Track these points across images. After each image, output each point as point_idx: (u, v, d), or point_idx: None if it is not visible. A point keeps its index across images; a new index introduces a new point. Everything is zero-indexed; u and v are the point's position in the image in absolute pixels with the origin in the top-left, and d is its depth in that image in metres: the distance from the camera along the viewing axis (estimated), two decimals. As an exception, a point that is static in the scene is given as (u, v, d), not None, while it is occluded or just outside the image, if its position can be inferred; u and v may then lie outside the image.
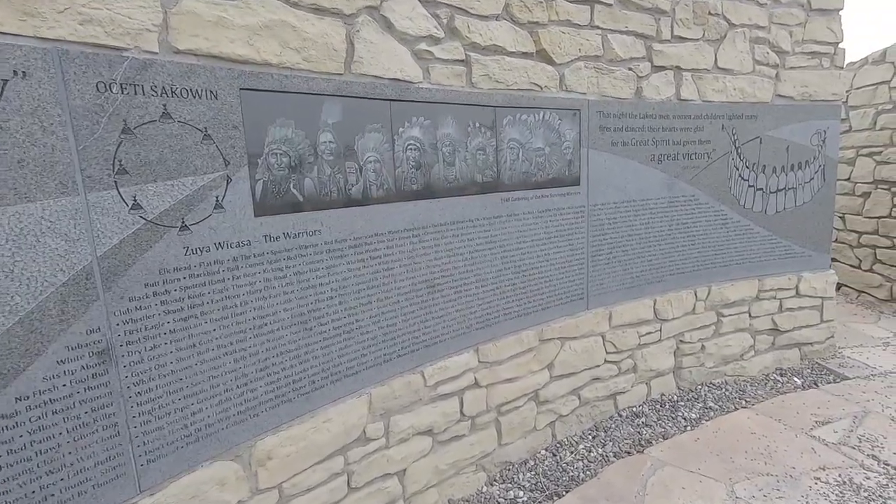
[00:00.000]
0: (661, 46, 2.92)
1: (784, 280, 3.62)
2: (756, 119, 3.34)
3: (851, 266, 5.17)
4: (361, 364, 1.98)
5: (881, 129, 4.80)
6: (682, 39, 3.00)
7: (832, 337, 3.82)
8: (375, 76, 1.91)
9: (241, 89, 1.54)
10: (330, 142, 1.78)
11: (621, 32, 2.78)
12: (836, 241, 5.39)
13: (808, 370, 3.67)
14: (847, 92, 5.25)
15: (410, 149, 2.04)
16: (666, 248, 3.18)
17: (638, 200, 3.01)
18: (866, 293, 4.97)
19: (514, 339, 2.57)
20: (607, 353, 3.00)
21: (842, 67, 3.51)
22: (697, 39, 3.05)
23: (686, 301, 3.29)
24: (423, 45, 2.05)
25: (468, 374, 2.39)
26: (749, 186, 3.41)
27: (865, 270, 4.98)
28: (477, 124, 2.27)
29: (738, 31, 3.18)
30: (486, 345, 2.46)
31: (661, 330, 3.21)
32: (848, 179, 5.20)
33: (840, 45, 3.49)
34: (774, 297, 3.62)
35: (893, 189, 4.65)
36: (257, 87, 1.58)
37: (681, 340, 3.34)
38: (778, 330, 3.66)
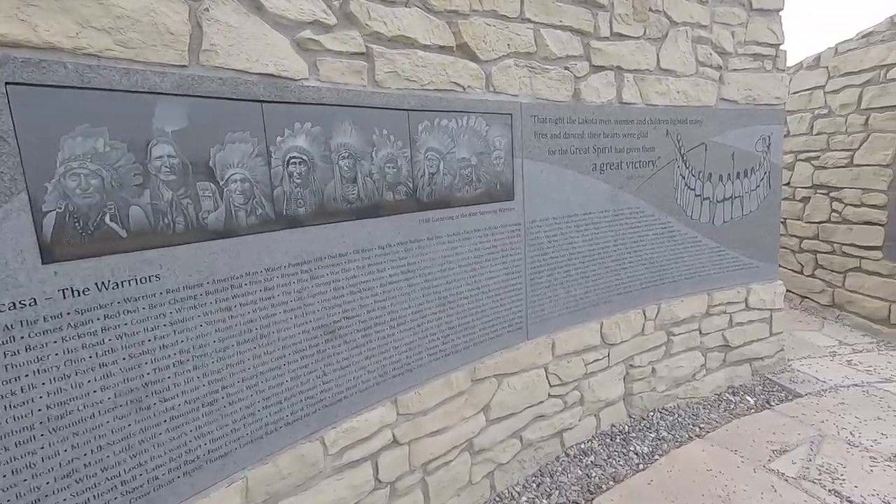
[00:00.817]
0: (599, 44, 2.63)
1: (733, 293, 3.43)
2: (701, 124, 3.13)
3: (794, 271, 5.14)
4: (232, 442, 1.53)
5: (818, 134, 4.78)
6: (622, 37, 2.73)
7: (782, 350, 3.68)
8: (238, 70, 1.47)
9: (7, 83, 1.07)
10: (169, 156, 1.33)
11: (556, 27, 2.46)
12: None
13: (760, 387, 3.50)
14: (784, 96, 5.23)
15: (294, 162, 1.61)
16: (612, 266, 2.90)
17: (580, 215, 2.70)
18: (809, 298, 4.94)
19: (441, 384, 2.18)
20: (551, 386, 2.67)
21: (784, 70, 3.37)
22: (638, 38, 2.79)
23: (635, 322, 3.02)
24: (307, 33, 1.63)
25: (384, 431, 1.98)
26: (696, 196, 3.19)
27: (808, 276, 4.96)
28: (385, 132, 1.87)
29: (681, 30, 2.95)
30: (406, 394, 2.06)
31: (608, 355, 2.92)
32: (788, 184, 5.17)
33: (781, 47, 3.35)
34: (724, 312, 3.43)
35: (831, 194, 4.63)
36: (38, 81, 1.11)
37: (630, 365, 3.06)
38: (729, 346, 3.47)
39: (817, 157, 4.78)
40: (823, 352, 3.94)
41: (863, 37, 4.35)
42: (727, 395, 3.41)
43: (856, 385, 3.37)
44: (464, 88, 2.13)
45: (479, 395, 2.35)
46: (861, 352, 3.92)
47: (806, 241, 4.96)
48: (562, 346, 2.69)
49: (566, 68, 2.53)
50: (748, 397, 3.36)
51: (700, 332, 3.35)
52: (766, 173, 3.43)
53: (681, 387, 3.30)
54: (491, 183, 2.28)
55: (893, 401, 3.14)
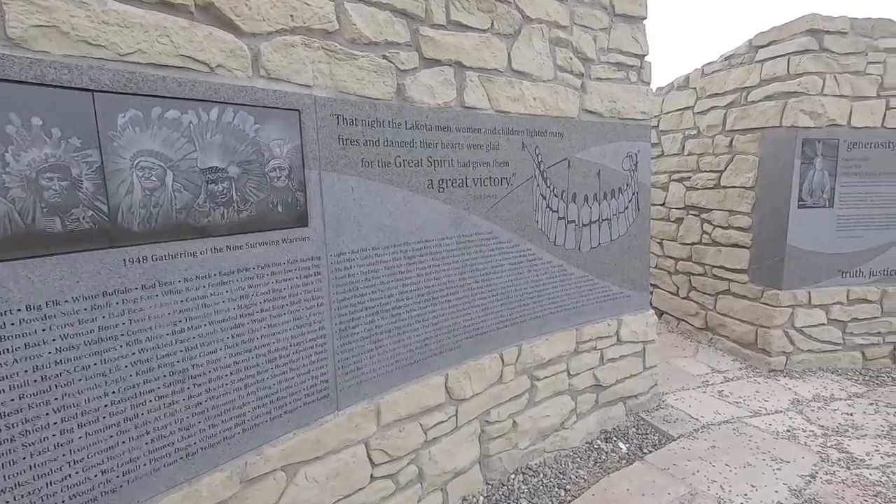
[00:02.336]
0: (432, 32, 2.12)
1: (604, 327, 3.08)
2: (562, 137, 2.74)
3: (671, 293, 5.06)
4: None
5: (688, 155, 4.74)
6: (463, 27, 2.24)
7: (656, 385, 3.40)
8: None
9: None
10: None
11: (369, 3, 1.90)
12: (655, 266, 5.29)
13: (634, 429, 3.16)
14: (658, 116, 5.20)
15: None
16: (459, 305, 2.37)
17: (413, 243, 2.15)
18: (685, 321, 4.86)
19: (179, 499, 1.48)
20: (376, 465, 2.06)
21: (649, 83, 3.12)
22: (484, 30, 2.33)
23: (490, 369, 2.52)
24: None
25: None
26: (559, 219, 2.80)
27: (683, 298, 4.88)
28: (35, 121, 1.17)
29: (535, 28, 2.54)
30: (104, 529, 1.33)
31: (456, 414, 2.38)
32: (663, 204, 5.11)
33: (646, 59, 3.09)
34: (595, 349, 3.06)
35: (702, 215, 4.58)
36: None
37: (486, 421, 2.55)
38: (601, 385, 3.11)
39: (689, 178, 4.73)
40: (697, 381, 3.75)
41: (725, 59, 4.35)
42: (599, 442, 3.03)
43: (726, 422, 3.14)
44: (210, 68, 1.48)
45: (256, 500, 1.67)
46: (732, 380, 3.78)
47: (681, 262, 4.89)
48: (390, 411, 2.09)
49: (385, 57, 1.97)
50: (621, 444, 3.00)
51: (569, 374, 2.94)
52: (634, 194, 3.14)
53: (548, 439, 2.85)
54: (266, 203, 1.63)
55: (761, 439, 2.93)
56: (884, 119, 3.79)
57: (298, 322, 1.77)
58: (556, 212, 2.78)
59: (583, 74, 2.81)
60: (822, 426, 3.07)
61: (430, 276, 2.23)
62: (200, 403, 1.52)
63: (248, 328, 1.63)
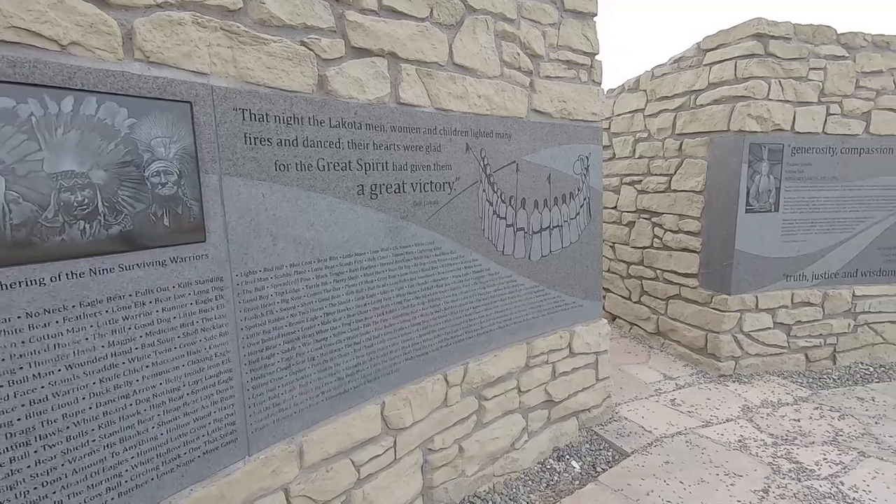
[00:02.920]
0: (361, 18, 1.87)
1: (556, 339, 2.92)
2: (510, 139, 2.55)
3: (623, 297, 5.01)
4: None
5: (639, 158, 4.70)
6: (398, 14, 2.00)
7: (609, 397, 3.28)
8: None
9: None
10: None
11: (283, -21, 1.63)
12: (608, 270, 5.23)
13: (587, 444, 3.03)
14: (610, 119, 5.15)
15: None
16: (397, 324, 2.13)
17: (341, 258, 1.89)
18: (637, 326, 4.82)
19: (25, 593, 1.17)
20: (298, 514, 1.79)
21: (600, 83, 2.99)
22: (423, 19, 2.10)
23: (434, 392, 2.30)
24: None
25: None
26: (507, 226, 2.61)
27: (635, 302, 4.84)
28: None
29: (480, 19, 2.34)
30: None
31: (395, 446, 2.14)
32: (615, 208, 5.06)
33: (597, 58, 2.95)
34: (546, 362, 2.90)
35: (653, 219, 4.54)
36: None
37: (429, 449, 2.33)
38: (553, 401, 2.95)
39: (640, 181, 4.69)
40: (649, 390, 3.67)
41: (675, 62, 4.32)
42: (551, 461, 2.87)
43: (679, 433, 3.06)
44: (61, 46, 1.17)
45: (139, 578, 1.37)
46: (684, 387, 3.73)
47: (633, 266, 4.84)
48: (315, 450, 1.83)
49: (304, 44, 1.71)
50: (574, 462, 2.85)
51: (519, 391, 2.76)
52: (585, 199, 3.00)
53: (497, 462, 2.66)
54: (147, 216, 1.33)
55: (714, 452, 2.85)
56: (824, 125, 3.84)
57: (195, 357, 1.48)
58: (504, 219, 2.59)
59: (531, 72, 2.63)
60: (772, 434, 3.04)
61: (362, 294, 1.98)
62: (55, 469, 1.21)
63: (125, 369, 1.33)
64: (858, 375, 3.95)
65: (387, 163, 2.02)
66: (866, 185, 4.00)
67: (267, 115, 1.61)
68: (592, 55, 2.92)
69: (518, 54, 2.53)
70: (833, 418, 3.22)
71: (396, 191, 2.07)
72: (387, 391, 2.12)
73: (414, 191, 2.14)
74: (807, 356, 4.06)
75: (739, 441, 2.96)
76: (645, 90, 4.64)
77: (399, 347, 2.16)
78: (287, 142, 1.68)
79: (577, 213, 2.97)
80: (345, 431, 1.93)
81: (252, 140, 1.58)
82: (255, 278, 1.62)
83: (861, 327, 4.13)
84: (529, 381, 2.80)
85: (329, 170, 1.82)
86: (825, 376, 3.94)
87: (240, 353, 1.60)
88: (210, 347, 1.51)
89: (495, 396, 2.62)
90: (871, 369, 4.06)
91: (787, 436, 3.02)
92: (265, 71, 1.60)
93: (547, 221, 2.80)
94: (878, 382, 3.82)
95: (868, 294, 4.09)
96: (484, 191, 2.46)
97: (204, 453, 1.52)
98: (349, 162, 1.88)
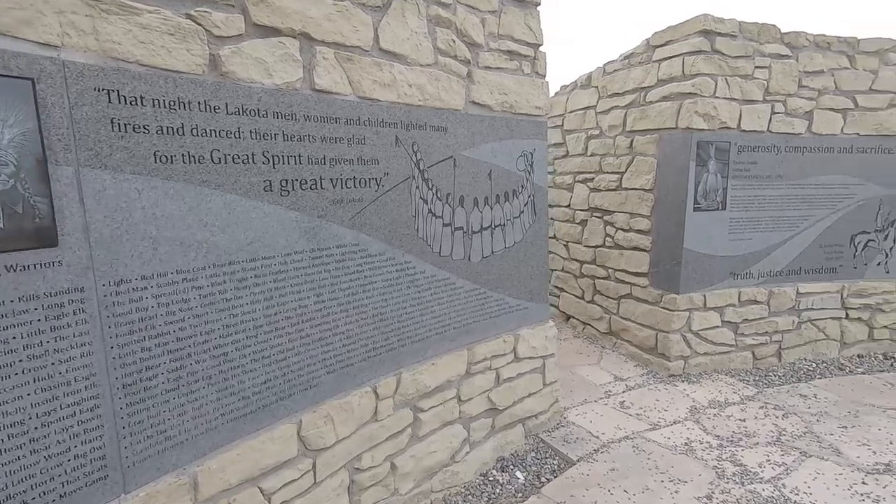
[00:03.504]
0: (265, -9, 1.66)
1: (499, 344, 2.78)
2: (446, 132, 2.39)
3: (577, 297, 4.95)
4: None
5: (592, 155, 4.63)
6: (311, -10, 1.80)
7: (556, 402, 3.18)
8: None
9: None
10: None
11: (161, -59, 1.41)
12: (562, 269, 5.16)
13: (533, 452, 2.91)
14: (562, 115, 5.07)
15: None
16: (315, 334, 1.93)
17: (243, 262, 1.68)
18: (590, 325, 4.76)
19: None
20: (192, 555, 1.58)
21: (544, 75, 2.86)
22: (342, -2, 1.91)
23: (361, 407, 2.11)
24: None
25: None
26: (445, 226, 2.44)
27: (588, 301, 4.78)
28: None
29: (410, 2, 2.16)
30: None
31: (314, 468, 1.94)
32: (568, 206, 4.99)
33: (541, 49, 2.82)
34: (489, 368, 2.75)
35: (605, 218, 4.48)
36: None
37: (356, 469, 2.14)
38: (497, 409, 2.81)
39: (592, 179, 4.62)
40: (599, 392, 3.60)
41: (625, 58, 4.26)
42: (495, 472, 2.73)
43: (627, 438, 2.98)
44: None
45: None
46: (633, 388, 3.67)
47: (586, 265, 4.78)
48: (214, 480, 1.61)
49: (191, 17, 1.48)
50: (518, 473, 2.72)
51: (459, 400, 2.61)
52: (530, 197, 2.87)
53: (436, 477, 2.50)
54: (-30, 215, 1.10)
55: (660, 457, 2.78)
56: (769, 123, 3.86)
57: (45, 383, 1.24)
58: (441, 218, 2.42)
59: (469, 61, 2.47)
60: (718, 436, 3.00)
61: (272, 303, 1.77)
62: None
63: (-58, 403, 1.08)
64: (802, 372, 4.00)
65: (300, 156, 1.81)
66: (809, 184, 4.05)
67: (142, 97, 1.39)
68: (536, 46, 2.79)
69: (454, 42, 2.37)
70: (777, 417, 3.21)
71: (313, 187, 1.86)
72: (304, 409, 1.92)
73: (334, 187, 1.94)
74: (754, 354, 4.08)
75: (686, 444, 2.91)
76: (597, 87, 4.57)
77: (319, 360, 1.96)
78: (171, 130, 1.45)
79: (521, 212, 2.84)
80: (251, 457, 1.72)
81: (122, 126, 1.35)
82: (129, 288, 1.39)
83: (805, 324, 4.18)
84: (471, 389, 2.65)
85: (226, 163, 1.60)
86: (771, 374, 3.97)
87: (110, 376, 1.37)
88: (67, 371, 1.28)
89: (433, 407, 2.46)
90: (814, 365, 4.12)
91: (732, 437, 2.99)
92: (138, 46, 1.37)
93: (488, 220, 2.65)
94: (820, 378, 3.86)
95: (811, 291, 4.15)
96: (417, 187, 2.29)
97: (61, 496, 1.29)
98: (252, 154, 1.67)
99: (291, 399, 1.87)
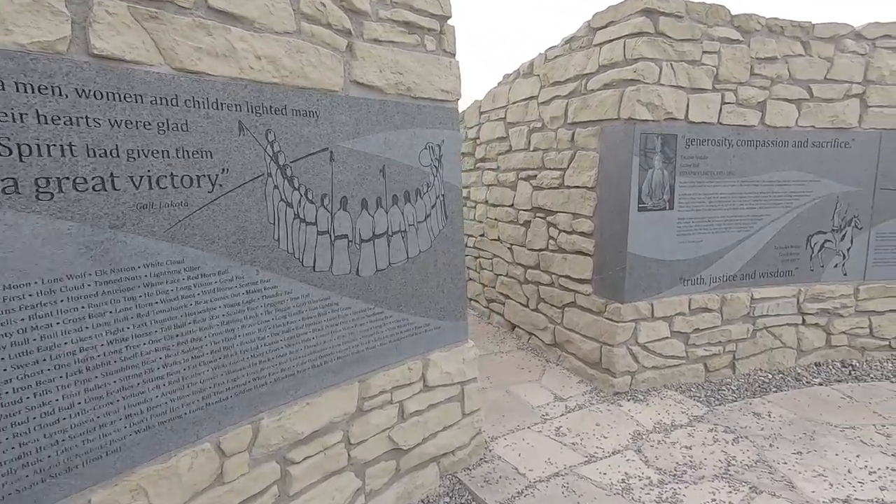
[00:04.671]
0: (-9, -90, 1.17)
1: (403, 372, 2.34)
2: (317, 118, 1.93)
3: (522, 304, 4.56)
4: None
5: (534, 150, 4.24)
6: (82, -82, 1.32)
7: (479, 433, 2.76)
8: None
9: None
10: None
11: None
12: (506, 275, 4.76)
13: (448, 496, 2.48)
14: (505, 107, 4.66)
15: None
16: (114, 384, 1.45)
17: (-32, 294, 1.18)
18: (535, 335, 4.37)
19: None
20: None
21: (454, 54, 2.42)
22: (141, -65, 1.42)
23: (195, 470, 1.64)
24: None
25: None
26: (320, 234, 1.98)
27: (533, 310, 4.39)
28: None
29: (256, -50, 1.69)
30: None
31: (114, 562, 1.47)
32: (512, 206, 4.59)
33: (450, 22, 2.39)
34: (390, 402, 2.31)
35: (548, 218, 4.09)
36: None
37: (191, 550, 1.67)
38: (401, 449, 2.37)
39: (535, 176, 4.23)
40: (535, 416, 3.19)
41: (566, 43, 3.87)
42: (397, 527, 2.29)
43: (558, 475, 2.58)
44: None
45: None
46: (574, 409, 3.28)
47: (530, 270, 4.39)
48: None
49: None
50: (424, 526, 2.29)
51: (349, 443, 2.15)
52: (439, 197, 2.44)
53: (315, 542, 2.05)
54: None
55: (591, 499, 2.39)
56: (720, 114, 3.52)
57: None
58: (315, 224, 1.96)
59: (350, 32, 2.01)
60: (660, 469, 2.63)
61: (24, 349, 1.28)
62: None
63: None
64: (757, 385, 3.69)
65: (72, 145, 1.33)
66: (763, 181, 3.73)
67: None
68: (443, 18, 2.35)
69: (324, 6, 1.91)
70: (727, 442, 2.87)
71: (98, 187, 1.38)
72: (96, 484, 1.43)
73: (137, 188, 1.46)
74: (706, 366, 3.75)
75: (623, 482, 2.52)
76: (538, 75, 4.17)
77: (121, 417, 1.48)
78: None
79: (428, 215, 2.40)
80: (-7, 565, 1.24)
81: None
82: None
83: (760, 332, 3.88)
84: (365, 429, 2.21)
85: (-77, 153, 1.10)
86: (724, 388, 3.65)
87: None
88: None
89: (309, 457, 2.00)
90: (770, 376, 3.82)
91: (676, 469, 2.62)
92: None
93: (383, 226, 2.21)
94: (775, 392, 3.56)
95: (766, 296, 3.84)
96: (277, 187, 1.82)
97: None
98: (-24, 142, 1.18)
99: (74, 475, 1.39)
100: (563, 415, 3.21)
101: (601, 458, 2.73)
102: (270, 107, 1.77)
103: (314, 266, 1.97)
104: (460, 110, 5.68)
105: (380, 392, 2.25)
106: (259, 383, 1.83)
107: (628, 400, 3.41)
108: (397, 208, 2.26)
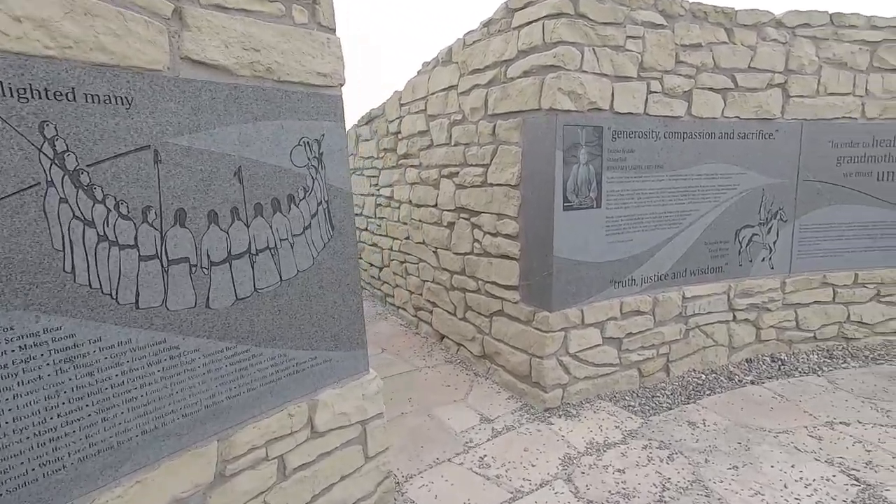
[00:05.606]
0: None
1: (282, 420, 1.91)
2: (131, 106, 1.45)
3: (449, 313, 4.21)
4: None
5: (455, 145, 3.88)
6: None
7: (388, 477, 2.37)
8: None
9: None
10: None
11: None
12: (433, 280, 4.40)
13: (348, 561, 2.08)
14: (425, 98, 4.27)
15: None
16: None
17: None
18: (464, 347, 4.04)
19: None
20: None
21: (332, 29, 1.99)
22: None
23: None
24: None
25: None
26: (144, 259, 1.50)
27: (460, 319, 4.05)
28: None
29: None
30: None
31: None
32: (435, 206, 4.22)
33: (326, -10, 1.96)
34: (266, 459, 1.87)
35: (473, 220, 3.75)
36: None
37: None
38: (283, 514, 1.94)
39: (457, 174, 3.87)
40: (458, 445, 2.84)
41: (484, 26, 3.52)
42: None
43: (477, 520, 2.25)
44: None
45: None
46: (501, 432, 2.97)
47: (456, 276, 4.04)
48: None
49: None
50: None
51: (205, 522, 1.70)
52: (321, 204, 2.01)
53: None
54: None
55: (516, 549, 2.07)
56: (646, 105, 3.30)
57: None
58: (135, 247, 1.48)
59: (177, -7, 1.54)
60: (591, 501, 2.35)
61: None
62: None
63: None
64: (691, 388, 3.54)
65: None
66: (691, 175, 3.57)
67: None
68: (316, -15, 1.92)
69: (131, -46, 1.42)
70: (661, 461, 2.64)
71: None
72: None
73: None
74: (640, 371, 3.55)
75: (550, 522, 2.22)
76: (457, 62, 3.81)
77: None
78: None
79: (308, 226, 1.97)
80: None
81: None
82: None
83: (692, 331, 3.73)
84: (228, 499, 1.76)
85: None
86: (659, 393, 3.46)
87: None
88: None
89: (143, 551, 1.53)
90: (703, 377, 3.69)
91: (608, 501, 2.35)
92: None
93: (243, 243, 1.75)
94: (709, 395, 3.41)
95: (697, 294, 3.70)
96: (65, 200, 1.33)
97: None
98: None
99: None
100: (489, 440, 2.88)
101: (528, 493, 2.42)
102: (46, 90, 1.28)
103: (136, 302, 1.49)
104: (382, 101, 5.23)
105: (249, 449, 1.81)
106: (51, 469, 1.34)
107: (560, 416, 3.14)
108: (263, 220, 1.81)
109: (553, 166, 3.00)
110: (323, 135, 1.98)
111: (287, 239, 1.89)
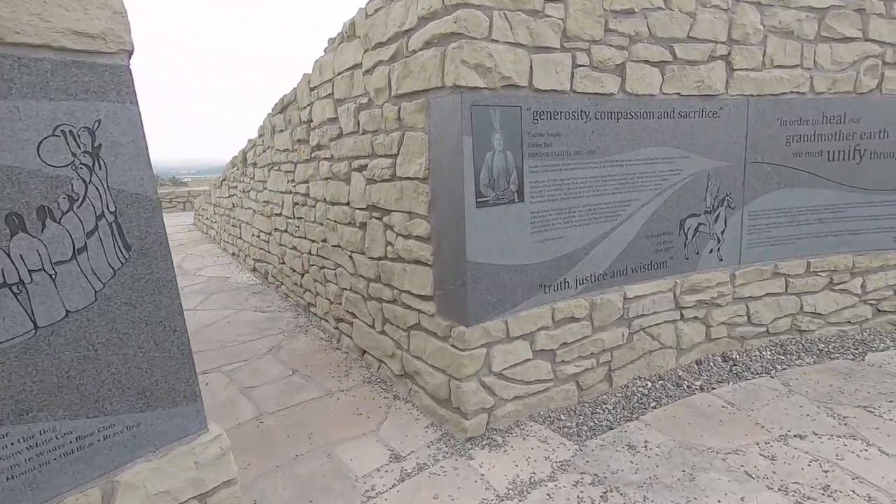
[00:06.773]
0: None
1: (52, 521, 1.37)
2: None
3: (368, 325, 3.70)
4: None
5: (363, 133, 3.35)
6: None
7: (243, 560, 1.86)
8: None
9: None
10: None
11: None
12: (350, 289, 3.88)
13: None
14: (332, 80, 3.72)
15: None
16: None
17: None
18: (385, 363, 3.54)
19: None
20: None
21: (104, -27, 1.44)
22: None
23: None
24: None
25: None
26: None
27: (379, 332, 3.55)
28: None
29: None
30: None
31: None
32: (348, 204, 3.69)
33: (91, -83, 1.39)
34: (26, 579, 1.34)
35: (384, 219, 3.24)
36: None
37: None
38: None
39: (367, 166, 3.35)
40: (356, 496, 2.36)
41: (385, -9, 2.99)
42: None
43: None
44: None
45: None
46: (412, 474, 2.50)
47: (372, 284, 3.54)
48: None
49: None
50: None
51: None
52: (103, 216, 1.46)
53: None
54: None
55: None
56: (572, 81, 2.84)
57: None
58: None
59: None
60: (504, 568, 1.90)
61: None
62: None
63: None
64: (636, 399, 3.15)
65: None
66: (629, 160, 3.15)
67: None
68: None
69: None
70: (594, 502, 2.23)
71: None
72: None
73: None
74: (578, 384, 3.15)
75: None
76: (360, 36, 3.27)
77: None
78: None
79: (82, 248, 1.42)
80: None
81: None
82: None
83: (636, 334, 3.35)
84: None
85: None
86: (599, 408, 3.06)
87: None
88: None
89: None
90: (650, 385, 3.32)
91: (524, 565, 1.91)
92: None
93: (-50, 282, 1.20)
94: (654, 409, 3.03)
95: (641, 294, 3.31)
96: None
97: None
98: None
99: None
100: (394, 486, 2.41)
101: (427, 562, 1.96)
102: None
103: None
104: (291, 91, 4.63)
105: (-8, 571, 1.27)
106: None
107: (484, 446, 2.69)
108: (-10, 245, 1.26)
109: (461, 155, 2.52)
110: (98, 121, 1.43)
111: (42, 269, 1.35)
